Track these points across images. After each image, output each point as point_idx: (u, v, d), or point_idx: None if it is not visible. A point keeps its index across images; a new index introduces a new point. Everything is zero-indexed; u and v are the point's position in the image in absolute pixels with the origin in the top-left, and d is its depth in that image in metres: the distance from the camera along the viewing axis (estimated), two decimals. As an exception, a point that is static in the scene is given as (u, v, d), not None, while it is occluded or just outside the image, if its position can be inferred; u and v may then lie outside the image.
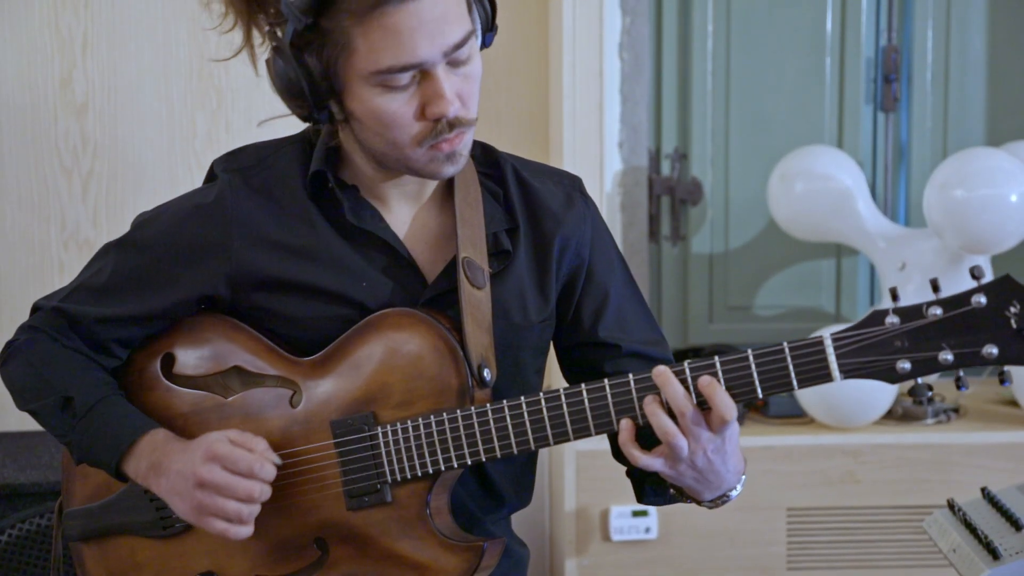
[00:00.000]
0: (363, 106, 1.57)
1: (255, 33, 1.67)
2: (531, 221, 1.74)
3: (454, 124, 1.58)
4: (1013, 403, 3.31)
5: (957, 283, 3.17)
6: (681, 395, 1.53)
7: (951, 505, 2.18)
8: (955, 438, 3.11)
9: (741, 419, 3.16)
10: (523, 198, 1.75)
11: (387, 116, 1.57)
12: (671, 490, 1.67)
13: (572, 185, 1.79)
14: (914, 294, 3.17)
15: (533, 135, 3.35)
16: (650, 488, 1.76)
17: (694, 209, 3.51)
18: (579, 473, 3.08)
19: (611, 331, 1.77)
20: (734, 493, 1.65)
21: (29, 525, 2.57)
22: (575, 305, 1.77)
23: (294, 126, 1.71)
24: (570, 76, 3.17)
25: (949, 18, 3.47)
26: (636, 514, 3.08)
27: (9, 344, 1.78)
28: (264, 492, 1.62)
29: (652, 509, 3.07)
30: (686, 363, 1.55)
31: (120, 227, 3.22)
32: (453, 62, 1.56)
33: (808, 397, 3.13)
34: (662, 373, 1.54)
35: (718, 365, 1.53)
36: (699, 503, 1.66)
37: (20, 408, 1.76)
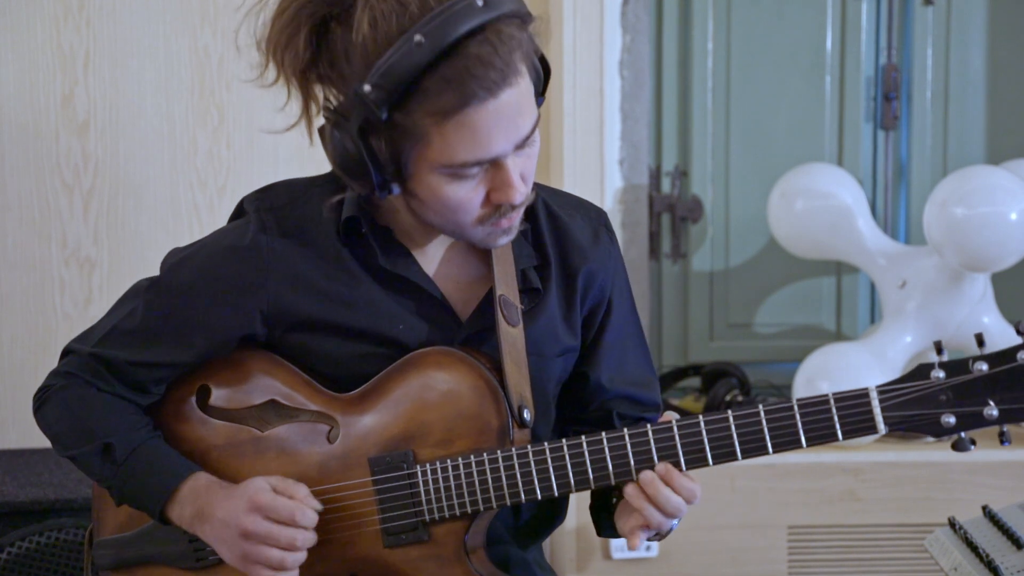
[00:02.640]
0: (429, 191, 1.56)
1: (292, 91, 1.62)
2: (560, 255, 1.75)
3: (515, 206, 1.59)
4: (1014, 421, 3.30)
5: (957, 301, 3.18)
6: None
7: (952, 523, 2.17)
8: (956, 456, 3.10)
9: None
10: (553, 233, 1.75)
11: (453, 202, 1.56)
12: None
13: (599, 220, 1.80)
14: (914, 312, 3.17)
15: (534, 153, 3.35)
16: (608, 525, 1.79)
17: (694, 226, 3.51)
18: (580, 491, 3.07)
19: (610, 370, 1.78)
20: (674, 524, 1.69)
21: (28, 543, 2.57)
22: (589, 339, 1.79)
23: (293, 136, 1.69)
24: (571, 94, 3.18)
25: (949, 37, 3.48)
26: (637, 532, 3.07)
27: (43, 389, 1.77)
28: (307, 539, 1.62)
29: (653, 527, 3.07)
30: (729, 412, 1.57)
31: (121, 244, 3.24)
32: (519, 146, 1.56)
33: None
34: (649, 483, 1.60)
35: (762, 414, 1.55)
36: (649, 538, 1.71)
37: (59, 454, 1.76)
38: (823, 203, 3.26)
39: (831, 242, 3.29)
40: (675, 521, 1.69)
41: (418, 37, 1.45)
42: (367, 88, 1.48)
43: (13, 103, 3.18)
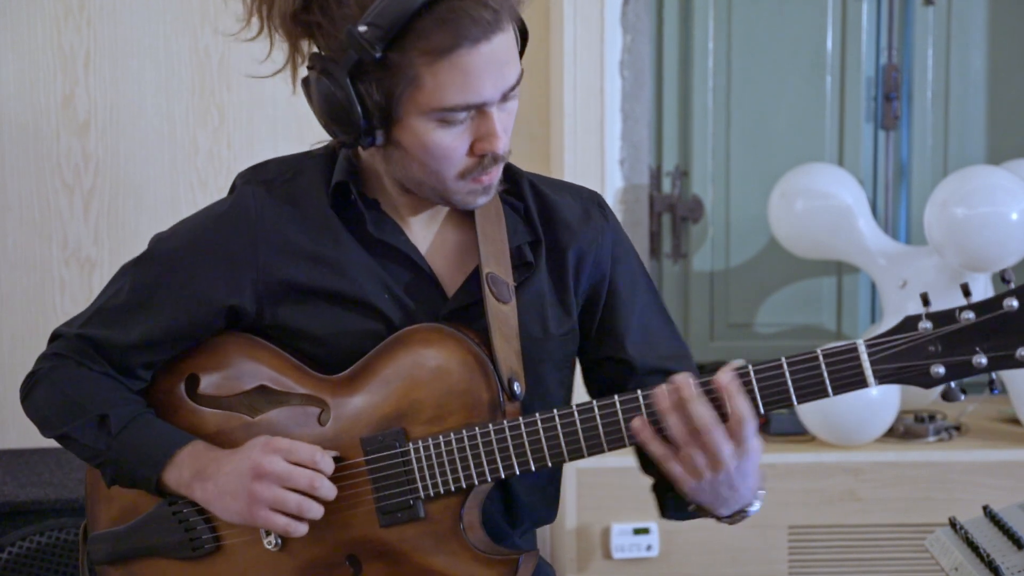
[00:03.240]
0: (415, 138, 1.58)
1: (272, 44, 1.64)
2: (549, 234, 1.75)
3: (497, 159, 1.60)
4: (1014, 421, 3.30)
5: (958, 301, 3.17)
6: (707, 415, 1.53)
7: (953, 523, 2.17)
8: (956, 456, 3.11)
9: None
10: (541, 211, 1.76)
11: (439, 149, 1.57)
12: (691, 505, 1.67)
13: (590, 199, 1.81)
14: (915, 311, 3.17)
15: (535, 153, 3.36)
16: (672, 501, 1.74)
17: (695, 226, 3.51)
18: (580, 490, 3.07)
19: (637, 347, 1.77)
20: (752, 509, 1.64)
21: (29, 543, 2.57)
22: (599, 320, 1.78)
23: (289, 110, 1.70)
24: (571, 94, 3.18)
25: (949, 36, 3.48)
26: (637, 532, 3.07)
27: (31, 375, 1.77)
28: (324, 487, 1.62)
29: (653, 526, 3.07)
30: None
31: (122, 244, 3.24)
32: (504, 97, 1.58)
33: (809, 415, 3.12)
34: (684, 386, 1.53)
35: (752, 373, 1.54)
36: (718, 519, 1.66)
37: (48, 435, 1.75)
38: (823, 203, 3.26)
39: (832, 242, 3.29)
40: (755, 507, 1.64)
41: None
42: (362, 28, 1.50)
43: (13, 103, 3.18)
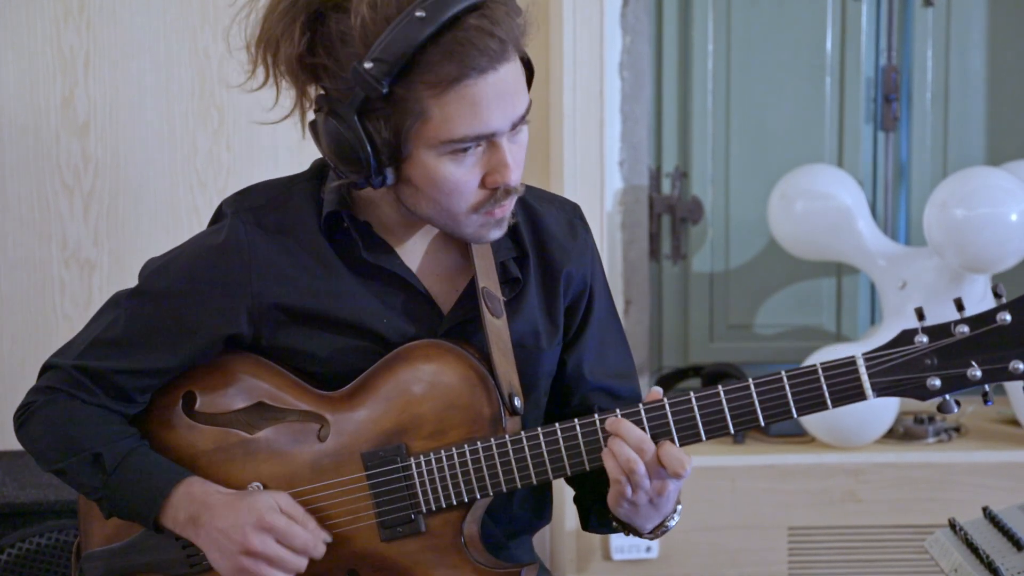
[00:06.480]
0: (425, 173, 1.57)
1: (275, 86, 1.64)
2: (538, 249, 1.75)
3: (510, 191, 1.59)
4: (1014, 422, 3.31)
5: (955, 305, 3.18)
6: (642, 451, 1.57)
7: (952, 524, 2.17)
8: (956, 457, 3.11)
9: (742, 438, 3.16)
10: (530, 225, 1.75)
11: (450, 184, 1.57)
12: (613, 522, 1.70)
13: (574, 212, 1.81)
14: (913, 311, 3.17)
15: (534, 154, 3.36)
16: (595, 519, 1.78)
17: (695, 227, 3.51)
18: (580, 492, 3.07)
19: (591, 361, 1.79)
20: (671, 523, 1.68)
21: (29, 544, 2.57)
22: (572, 330, 1.79)
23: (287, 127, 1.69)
24: (571, 95, 3.18)
25: (949, 38, 3.48)
26: (637, 533, 3.07)
27: (24, 407, 1.75)
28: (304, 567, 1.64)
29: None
30: (720, 387, 1.58)
31: (121, 246, 3.25)
32: (514, 126, 1.58)
33: (809, 416, 3.12)
34: (620, 423, 1.58)
35: (752, 387, 1.57)
36: (640, 535, 1.69)
37: (44, 470, 1.75)
38: (823, 204, 3.26)
39: (831, 243, 3.29)
40: (673, 521, 1.68)
41: (419, 12, 1.48)
42: (368, 64, 1.50)
43: (13, 104, 3.18)
